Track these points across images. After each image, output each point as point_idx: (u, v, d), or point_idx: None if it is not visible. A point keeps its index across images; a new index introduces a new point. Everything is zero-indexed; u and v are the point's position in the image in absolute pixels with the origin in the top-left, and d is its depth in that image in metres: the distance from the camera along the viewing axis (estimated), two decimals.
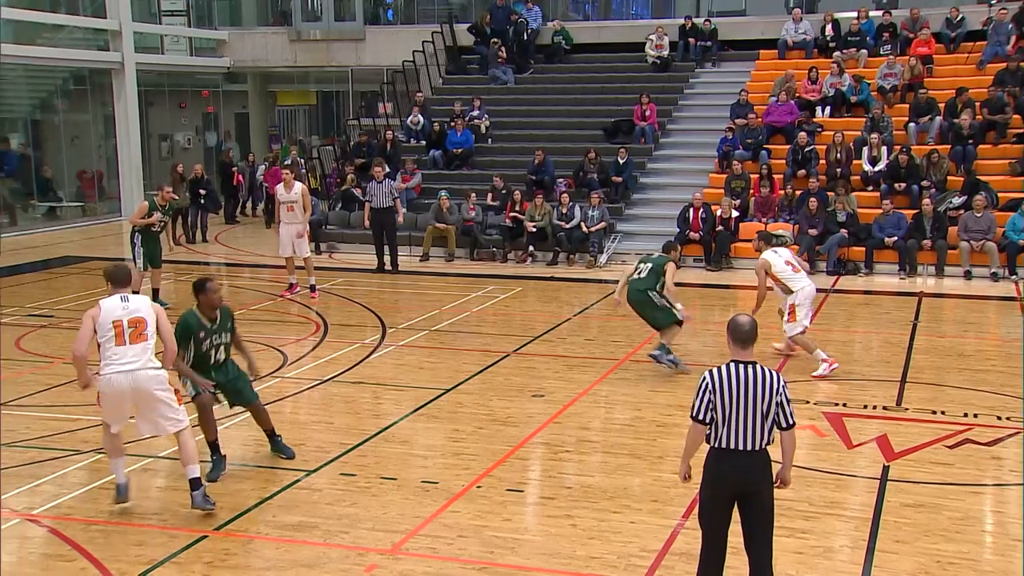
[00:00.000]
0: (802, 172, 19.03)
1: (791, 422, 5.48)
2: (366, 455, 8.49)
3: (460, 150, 21.36)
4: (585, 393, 10.40)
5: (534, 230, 18.60)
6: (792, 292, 11.02)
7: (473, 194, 19.39)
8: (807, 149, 19.22)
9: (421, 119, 22.51)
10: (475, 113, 22.25)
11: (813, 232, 17.50)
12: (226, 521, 7.09)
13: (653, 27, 23.98)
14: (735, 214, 18.22)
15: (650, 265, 11.30)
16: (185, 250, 19.33)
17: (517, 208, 18.91)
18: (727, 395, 5.38)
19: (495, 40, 24.02)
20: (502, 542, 6.82)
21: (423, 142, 22.15)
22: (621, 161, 19.98)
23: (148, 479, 8.02)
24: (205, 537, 6.84)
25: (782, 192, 18.80)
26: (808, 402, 9.94)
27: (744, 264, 18.00)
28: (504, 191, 19.54)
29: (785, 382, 5.54)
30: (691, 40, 23.53)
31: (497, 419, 9.52)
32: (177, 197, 20.97)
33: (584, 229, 18.49)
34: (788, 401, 5.45)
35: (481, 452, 8.57)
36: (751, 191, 18.94)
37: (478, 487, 7.77)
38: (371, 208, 17.53)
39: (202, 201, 21.94)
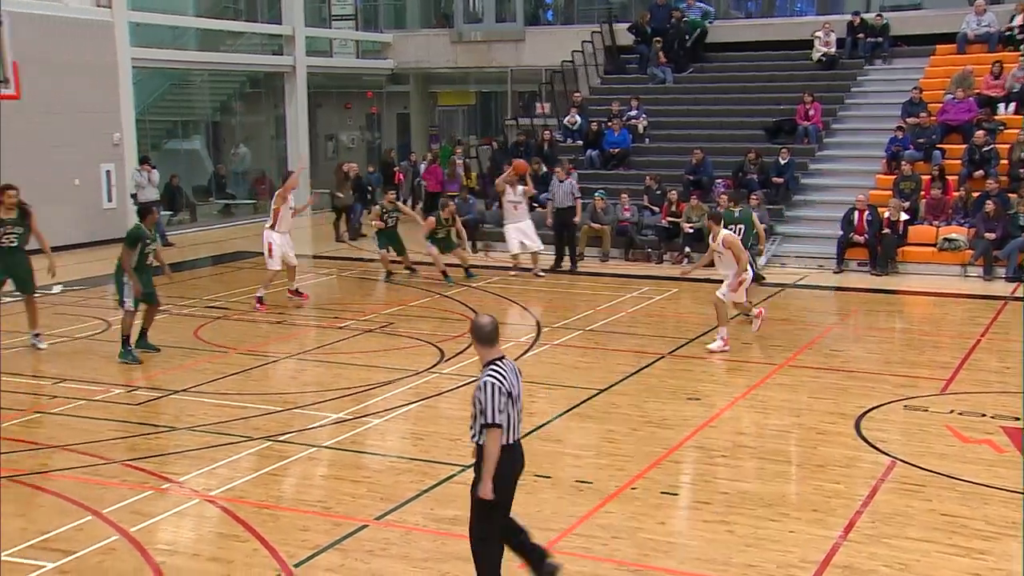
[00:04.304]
0: (979, 173, 18.04)
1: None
2: None
3: (617, 150, 21.28)
4: (742, 397, 10.20)
5: (691, 231, 18.34)
6: (742, 270, 11.86)
7: (625, 194, 19.28)
8: (986, 149, 18.21)
9: (579, 119, 22.56)
10: (632, 113, 22.13)
11: (991, 236, 16.59)
12: (386, 511, 7.30)
13: (819, 24, 23.22)
14: (904, 217, 17.46)
15: None
16: (347, 247, 19.99)
17: (673, 209, 18.71)
18: (513, 393, 5.63)
19: (657, 39, 23.81)
20: (656, 545, 6.77)
21: (580, 142, 22.19)
22: (783, 162, 19.47)
23: (312, 467, 8.34)
24: (366, 526, 7.07)
25: (956, 194, 17.89)
26: (985, 415, 9.44)
27: (912, 269, 17.29)
28: (658, 191, 19.36)
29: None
30: (860, 36, 22.67)
31: (651, 421, 9.45)
32: (342, 195, 21.85)
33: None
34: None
35: (635, 454, 8.52)
36: (922, 193, 18.10)
37: (632, 489, 7.73)
38: (553, 207, 17.96)
39: (368, 198, 22.66)
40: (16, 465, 8.22)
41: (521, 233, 17.07)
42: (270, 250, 14.40)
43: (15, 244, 11.84)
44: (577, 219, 17.97)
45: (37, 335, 12.14)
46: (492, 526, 5.77)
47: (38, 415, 9.57)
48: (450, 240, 16.82)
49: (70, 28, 19.76)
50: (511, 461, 5.69)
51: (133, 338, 11.63)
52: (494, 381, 5.55)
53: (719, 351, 11.79)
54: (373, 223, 17.04)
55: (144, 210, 12.47)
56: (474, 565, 5.84)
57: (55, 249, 13.06)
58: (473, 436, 5.68)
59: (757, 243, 15.28)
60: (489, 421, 5.51)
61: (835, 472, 8.10)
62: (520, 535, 5.97)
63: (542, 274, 16.97)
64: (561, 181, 17.93)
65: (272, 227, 14.49)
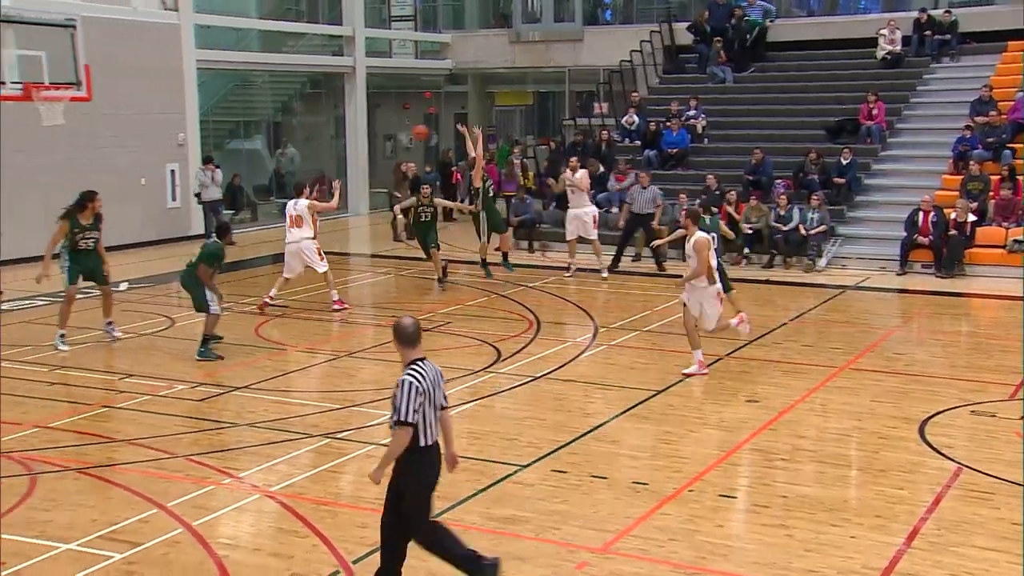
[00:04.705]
0: None
1: (448, 403, 5.94)
2: (576, 453, 8.56)
3: (675, 150, 21.14)
4: (801, 400, 10.07)
5: (750, 232, 18.16)
6: (714, 283, 10.75)
7: (684, 195, 19.11)
8: None
9: (637, 119, 22.45)
10: (691, 113, 21.96)
11: None
12: (442, 510, 7.34)
13: (884, 21, 22.83)
14: (972, 218, 17.09)
15: None
16: (406, 246, 20.13)
17: (732, 209, 18.52)
18: (429, 393, 5.68)
19: (717, 39, 23.59)
20: (714, 548, 6.72)
21: (638, 142, 22.08)
22: (844, 162, 19.17)
23: (369, 466, 8.36)
24: None
25: None
26: None
27: (980, 271, 16.91)
28: (717, 191, 19.18)
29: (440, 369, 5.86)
30: (927, 34, 22.23)
31: (709, 423, 9.38)
32: (400, 195, 22.00)
33: (802, 232, 17.88)
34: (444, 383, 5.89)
35: (692, 455, 8.46)
36: (990, 193, 17.70)
37: (690, 491, 7.68)
38: (629, 211, 18.01)
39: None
40: (86, 458, 8.43)
41: (579, 221, 17.01)
42: (319, 253, 14.43)
43: (91, 247, 12.28)
44: (656, 225, 17.93)
45: (110, 323, 12.54)
46: (428, 513, 5.87)
47: (106, 409, 9.80)
48: (432, 229, 16.06)
49: (138, 31, 20.19)
50: (430, 464, 5.76)
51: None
52: (412, 380, 5.64)
53: (697, 374, 10.80)
54: (399, 215, 17.21)
55: (224, 228, 12.72)
56: (440, 557, 5.91)
57: (124, 248, 13.43)
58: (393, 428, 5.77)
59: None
60: (402, 419, 5.59)
61: (898, 477, 7.95)
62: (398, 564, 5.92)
63: (606, 274, 16.80)
64: (644, 188, 18.01)
65: (313, 237, 14.43)
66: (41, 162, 18.22)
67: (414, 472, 5.72)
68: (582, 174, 17.15)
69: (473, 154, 16.77)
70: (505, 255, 16.88)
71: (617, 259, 17.77)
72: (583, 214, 17.01)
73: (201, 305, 11.73)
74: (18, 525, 7.06)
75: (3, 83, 12.58)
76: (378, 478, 5.78)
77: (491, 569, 5.90)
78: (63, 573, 6.32)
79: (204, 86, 23.20)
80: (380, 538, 5.94)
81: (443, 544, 5.91)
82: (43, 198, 16.59)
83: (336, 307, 14.31)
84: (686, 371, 10.85)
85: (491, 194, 16.87)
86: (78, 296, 12.47)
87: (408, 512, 5.80)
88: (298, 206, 14.50)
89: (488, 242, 16.59)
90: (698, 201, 15.84)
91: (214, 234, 12.38)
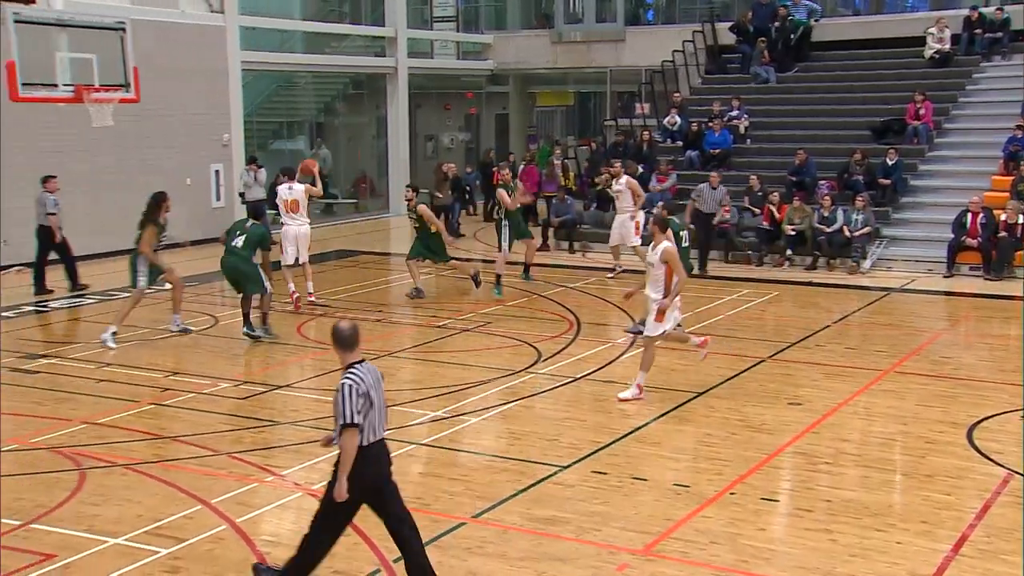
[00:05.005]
0: None
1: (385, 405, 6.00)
2: (617, 454, 8.54)
3: (717, 151, 21.01)
4: (845, 404, 9.96)
5: (792, 233, 17.99)
6: (669, 294, 9.91)
7: (726, 196, 18.99)
8: None
9: (678, 119, 22.34)
10: (734, 113, 21.81)
11: None
12: (483, 510, 7.36)
13: (932, 20, 22.50)
14: (1022, 220, 16.78)
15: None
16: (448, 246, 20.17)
17: (775, 210, 18.37)
18: (373, 394, 5.74)
19: (762, 39, 23.41)
20: (756, 551, 6.66)
21: (680, 143, 21.97)
22: (890, 162, 18.93)
23: (409, 464, 8.44)
24: (463, 524, 7.14)
25: None
26: None
27: None
28: (760, 192, 19.03)
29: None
30: (977, 32, 21.88)
31: (751, 425, 9.31)
32: (441, 195, 22.08)
33: (847, 233, 17.68)
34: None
35: (734, 458, 8.41)
36: None
37: (731, 494, 7.63)
38: (696, 210, 17.88)
39: (466, 199, 22.87)
40: (133, 454, 8.56)
41: (621, 228, 16.85)
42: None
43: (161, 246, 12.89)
44: (725, 225, 17.97)
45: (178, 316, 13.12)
46: (333, 523, 5.90)
47: (152, 406, 9.94)
48: (419, 238, 15.39)
49: (184, 33, 20.45)
50: (369, 462, 5.80)
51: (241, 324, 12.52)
52: (351, 383, 5.70)
53: (632, 399, 9.93)
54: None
55: (259, 210, 13.30)
56: (298, 553, 5.94)
57: (170, 247, 13.71)
58: (334, 440, 5.82)
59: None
60: (346, 421, 5.66)
61: (945, 483, 7.84)
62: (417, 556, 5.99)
63: (610, 276, 16.79)
64: (713, 188, 17.98)
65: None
66: (94, 163, 18.52)
67: (356, 471, 5.78)
68: (624, 181, 16.85)
69: (509, 202, 15.87)
70: (527, 267, 16.48)
71: (703, 263, 17.38)
72: (626, 220, 16.73)
73: (258, 286, 12.32)
74: (68, 519, 7.19)
75: (56, 85, 12.82)
76: (342, 493, 5.72)
77: None
78: (111, 567, 6.43)
79: (248, 87, 23.45)
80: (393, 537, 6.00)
81: (311, 551, 5.92)
82: (93, 199, 16.88)
83: (311, 299, 14.54)
84: (622, 395, 10.01)
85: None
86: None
87: (322, 499, 5.91)
88: (294, 190, 14.60)
89: (509, 252, 15.82)
90: (661, 203, 15.28)
91: (251, 220, 12.90)
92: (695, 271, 16.50)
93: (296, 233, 14.52)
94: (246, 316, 12.60)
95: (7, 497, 7.61)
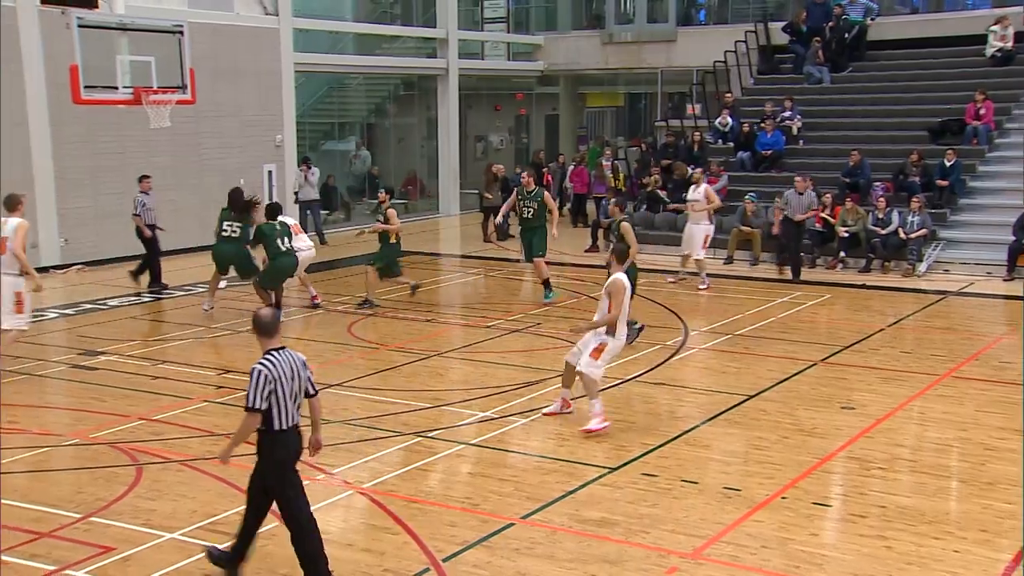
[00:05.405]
0: None
1: (316, 390, 6.27)
2: (667, 457, 8.49)
3: (769, 152, 20.79)
4: (900, 408, 9.80)
5: (846, 235, 17.75)
6: (613, 335, 9.01)
7: (778, 197, 18.77)
8: None
9: (730, 120, 22.15)
10: (787, 114, 21.55)
11: None
12: (532, 511, 7.36)
13: (994, 17, 22.03)
14: None
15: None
16: (495, 247, 20.22)
17: (828, 212, 18.13)
18: (283, 381, 5.93)
19: (817, 38, 23.11)
20: (808, 557, 6.58)
21: (731, 144, 21.78)
22: (948, 163, 18.59)
23: (458, 465, 8.49)
24: (512, 524, 7.14)
25: None
26: None
27: None
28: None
29: (305, 358, 6.17)
30: None
31: (803, 429, 9.20)
32: (490, 196, 22.13)
33: (902, 235, 17.40)
34: (311, 372, 6.20)
35: (786, 462, 8.31)
36: None
37: (783, 498, 7.55)
38: (785, 218, 17.15)
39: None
40: (188, 450, 8.70)
41: (691, 236, 16.31)
42: None
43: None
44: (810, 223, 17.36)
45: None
46: (253, 502, 6.22)
47: (206, 404, 10.09)
48: (384, 251, 14.55)
49: (239, 36, 20.73)
50: (282, 446, 6.04)
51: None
52: (261, 369, 5.92)
53: (597, 429, 8.94)
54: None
55: (276, 210, 13.79)
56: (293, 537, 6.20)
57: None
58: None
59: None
60: (248, 406, 5.91)
61: (1006, 491, 7.67)
62: (246, 544, 6.30)
63: (703, 287, 16.02)
64: (800, 193, 17.09)
65: None
66: (151, 164, 18.81)
67: (266, 453, 6.06)
68: (703, 190, 16.35)
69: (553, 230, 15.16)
70: (546, 282, 15.01)
71: (796, 271, 16.94)
72: (696, 231, 16.22)
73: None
74: (126, 513, 7.33)
75: (116, 88, 13.07)
76: (225, 458, 6.20)
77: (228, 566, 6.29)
78: (167, 561, 6.54)
79: (300, 88, 23.71)
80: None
81: (245, 525, 6.23)
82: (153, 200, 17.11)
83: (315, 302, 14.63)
84: (586, 427, 9.01)
85: (528, 215, 14.93)
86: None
87: (272, 487, 6.14)
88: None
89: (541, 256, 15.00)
90: (614, 202, 13.59)
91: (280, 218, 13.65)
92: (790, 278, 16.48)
93: (307, 257, 14.51)
94: (278, 304, 13.58)
95: (68, 490, 7.79)
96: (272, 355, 6.00)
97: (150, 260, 16.01)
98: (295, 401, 6.07)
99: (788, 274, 17.06)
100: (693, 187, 16.62)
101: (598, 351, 9.04)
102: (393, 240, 14.53)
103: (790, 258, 17.13)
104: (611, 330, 9.04)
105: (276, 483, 6.12)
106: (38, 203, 16.98)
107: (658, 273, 17.02)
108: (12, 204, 11.04)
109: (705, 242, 16.33)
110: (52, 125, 17.53)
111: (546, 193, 15.47)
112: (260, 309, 6.30)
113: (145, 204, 15.88)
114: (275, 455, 6.05)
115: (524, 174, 15.78)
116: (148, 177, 16.14)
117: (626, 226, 12.45)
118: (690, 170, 19.65)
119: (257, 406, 5.91)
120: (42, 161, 17.49)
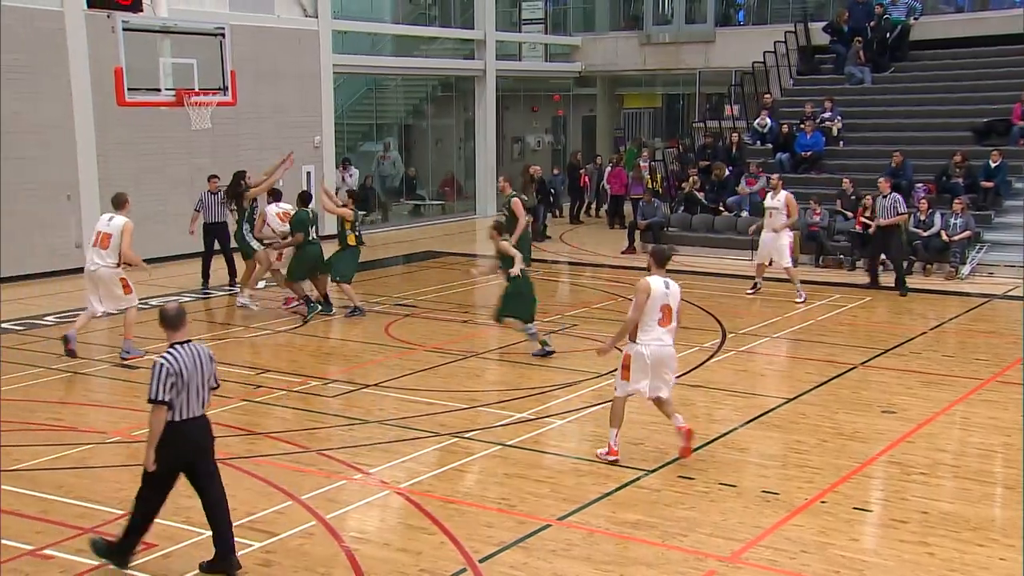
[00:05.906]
0: None
1: (219, 383, 6.54)
2: (704, 459, 8.43)
3: (809, 153, 20.61)
4: (942, 413, 9.66)
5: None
6: (635, 341, 8.20)
7: (813, 199, 18.57)
8: None
9: (769, 121, 21.97)
10: (827, 115, 21.35)
11: None
12: (568, 512, 7.34)
13: None
14: None
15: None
16: (532, 248, 20.23)
17: (868, 213, 17.90)
18: (186, 374, 6.08)
19: (858, 38, 22.86)
20: (848, 562, 6.50)
21: (770, 145, 21.61)
22: (993, 165, 18.31)
23: (496, 466, 8.47)
24: (549, 526, 7.13)
25: None
26: None
27: None
28: (853, 196, 18.58)
29: (212, 352, 6.39)
30: None
31: (843, 433, 9.10)
32: (527, 197, 22.12)
33: (944, 238, 17.16)
34: (215, 366, 6.44)
35: (825, 466, 8.22)
36: None
37: (822, 502, 7.47)
38: (877, 226, 16.08)
39: (552, 201, 22.87)
40: (227, 449, 8.76)
41: (774, 244, 15.32)
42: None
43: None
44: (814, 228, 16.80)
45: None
46: (149, 490, 6.33)
47: (244, 403, 10.18)
48: (337, 254, 14.00)
49: (280, 38, 20.91)
50: (178, 437, 6.15)
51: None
52: (163, 362, 6.07)
53: (599, 455, 8.41)
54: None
55: (306, 198, 14.07)
56: (131, 516, 6.41)
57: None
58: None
59: None
60: (151, 397, 6.05)
61: None
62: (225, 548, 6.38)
63: (799, 300, 14.99)
64: (884, 196, 15.93)
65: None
66: (191, 165, 19.05)
67: (164, 443, 6.15)
68: (783, 197, 15.29)
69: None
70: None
71: (874, 278, 16.18)
72: (779, 237, 15.26)
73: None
74: (166, 510, 7.31)
75: (159, 90, 13.25)
76: (149, 463, 6.19)
77: (116, 557, 6.41)
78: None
79: (339, 89, 23.85)
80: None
81: (138, 511, 6.35)
82: (191, 199, 17.29)
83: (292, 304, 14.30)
84: (600, 452, 8.46)
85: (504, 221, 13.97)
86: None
87: (183, 472, 6.33)
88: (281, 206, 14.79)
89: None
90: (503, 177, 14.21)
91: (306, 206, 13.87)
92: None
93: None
94: (326, 297, 13.91)
95: (111, 487, 7.89)
96: (175, 348, 6.19)
97: (203, 258, 16.18)
98: (198, 394, 6.23)
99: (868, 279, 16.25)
100: (771, 194, 15.64)
101: (625, 368, 8.27)
102: (352, 244, 13.94)
103: (894, 266, 16.07)
104: (632, 336, 8.31)
105: (187, 472, 6.31)
106: (83, 206, 17.25)
107: (696, 275, 16.92)
108: (120, 202, 11.74)
109: (791, 249, 15.55)
110: (97, 129, 17.78)
111: (516, 200, 14.26)
112: (167, 304, 6.49)
113: (202, 201, 16.09)
114: (174, 446, 6.17)
115: (501, 178, 15.58)
116: (216, 177, 16.30)
117: (516, 201, 13.55)
118: (768, 178, 18.37)
119: (160, 398, 6.04)
120: (87, 164, 17.75)
